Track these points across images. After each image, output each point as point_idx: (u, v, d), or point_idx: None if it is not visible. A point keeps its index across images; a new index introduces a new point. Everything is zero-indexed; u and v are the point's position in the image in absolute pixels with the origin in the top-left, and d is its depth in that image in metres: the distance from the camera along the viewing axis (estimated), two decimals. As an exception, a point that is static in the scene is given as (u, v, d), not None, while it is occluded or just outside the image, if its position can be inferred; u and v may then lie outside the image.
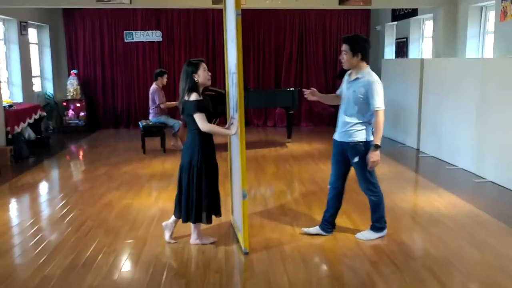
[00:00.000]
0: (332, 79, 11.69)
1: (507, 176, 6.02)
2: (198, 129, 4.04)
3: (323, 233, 4.49)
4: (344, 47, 4.14)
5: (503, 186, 6.08)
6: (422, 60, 8.43)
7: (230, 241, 4.40)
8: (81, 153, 9.17)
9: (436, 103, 7.86)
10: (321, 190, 5.93)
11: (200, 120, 4.01)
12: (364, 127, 4.14)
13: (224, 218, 4.78)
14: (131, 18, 11.36)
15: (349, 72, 4.28)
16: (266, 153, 8.51)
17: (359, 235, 4.43)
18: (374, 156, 4.06)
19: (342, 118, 4.24)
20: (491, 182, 6.32)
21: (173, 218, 4.36)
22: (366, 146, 4.13)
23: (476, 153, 6.74)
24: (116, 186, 6.33)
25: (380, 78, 10.72)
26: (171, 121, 8.54)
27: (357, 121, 4.14)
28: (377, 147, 4.06)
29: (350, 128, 4.16)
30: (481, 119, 6.62)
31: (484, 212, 5.13)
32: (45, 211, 5.49)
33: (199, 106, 4.00)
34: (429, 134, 8.17)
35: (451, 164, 7.32)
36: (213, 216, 4.28)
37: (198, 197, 4.11)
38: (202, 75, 4.08)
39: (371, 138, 4.12)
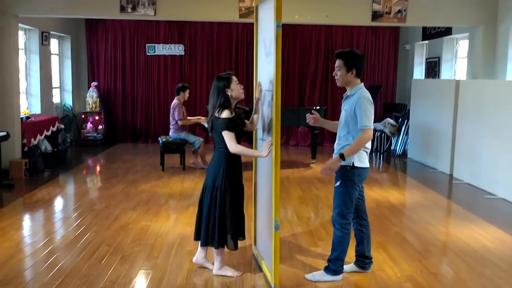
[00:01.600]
0: (358, 98, 11.25)
1: (556, 209, 5.54)
2: (225, 147, 3.72)
3: (360, 270, 4.06)
4: (338, 62, 3.74)
5: (551, 220, 5.60)
6: (457, 81, 8.00)
7: (257, 275, 3.99)
8: (97, 168, 8.86)
9: (473, 126, 7.40)
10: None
11: (229, 139, 3.68)
12: None
13: (248, 247, 4.39)
14: (154, 31, 11.13)
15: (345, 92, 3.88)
16: (290, 174, 8.12)
17: (309, 276, 3.92)
18: (332, 164, 3.65)
19: (337, 140, 3.86)
20: (537, 215, 5.84)
21: (199, 248, 4.03)
22: (352, 172, 3.71)
23: (519, 182, 6.27)
24: (133, 206, 5.98)
25: (410, 99, 10.28)
26: (191, 138, 8.21)
27: (346, 142, 3.73)
28: (341, 157, 3.62)
29: (340, 150, 3.76)
30: (525, 146, 6.17)
31: (536, 250, 4.66)
32: (58, 231, 5.14)
33: (229, 124, 3.68)
34: (464, 159, 7.70)
35: (489, 193, 6.84)
36: (239, 243, 3.97)
37: (221, 220, 3.78)
38: (236, 89, 3.78)
39: (360, 164, 3.70)
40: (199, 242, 3.99)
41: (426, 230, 5.26)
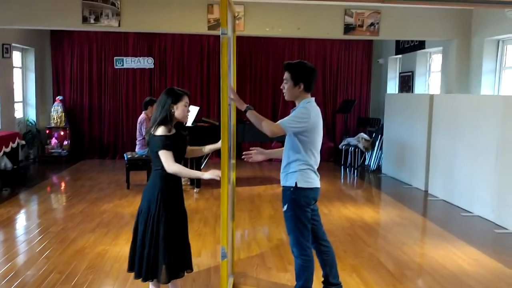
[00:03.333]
0: (331, 114, 11.09)
1: (534, 227, 5.37)
2: (162, 169, 3.31)
3: (330, 297, 3.78)
4: (286, 75, 3.46)
5: (528, 239, 5.42)
6: (431, 95, 7.86)
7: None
8: (60, 186, 8.41)
9: (448, 142, 7.24)
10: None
11: (165, 158, 3.28)
12: (297, 169, 3.41)
13: (208, 270, 4.07)
14: (122, 44, 10.79)
15: None
16: (262, 191, 7.82)
17: None
18: (238, 102, 3.41)
19: (284, 155, 3.57)
20: (515, 233, 5.66)
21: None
22: (297, 193, 3.41)
23: (495, 199, 6.08)
24: (92, 228, 5.60)
25: (384, 113, 10.07)
26: (159, 154, 7.84)
27: (288, 160, 3.46)
28: (247, 109, 3.38)
29: (283, 170, 3.51)
30: (501, 162, 6.00)
31: (515, 272, 4.44)
32: (7, 257, 4.71)
33: (165, 142, 3.29)
34: (439, 175, 7.53)
35: (465, 210, 6.65)
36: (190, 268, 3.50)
37: (155, 251, 3.31)
38: (181, 110, 3.37)
39: (305, 185, 3.40)
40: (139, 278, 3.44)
41: (402, 251, 5.01)
